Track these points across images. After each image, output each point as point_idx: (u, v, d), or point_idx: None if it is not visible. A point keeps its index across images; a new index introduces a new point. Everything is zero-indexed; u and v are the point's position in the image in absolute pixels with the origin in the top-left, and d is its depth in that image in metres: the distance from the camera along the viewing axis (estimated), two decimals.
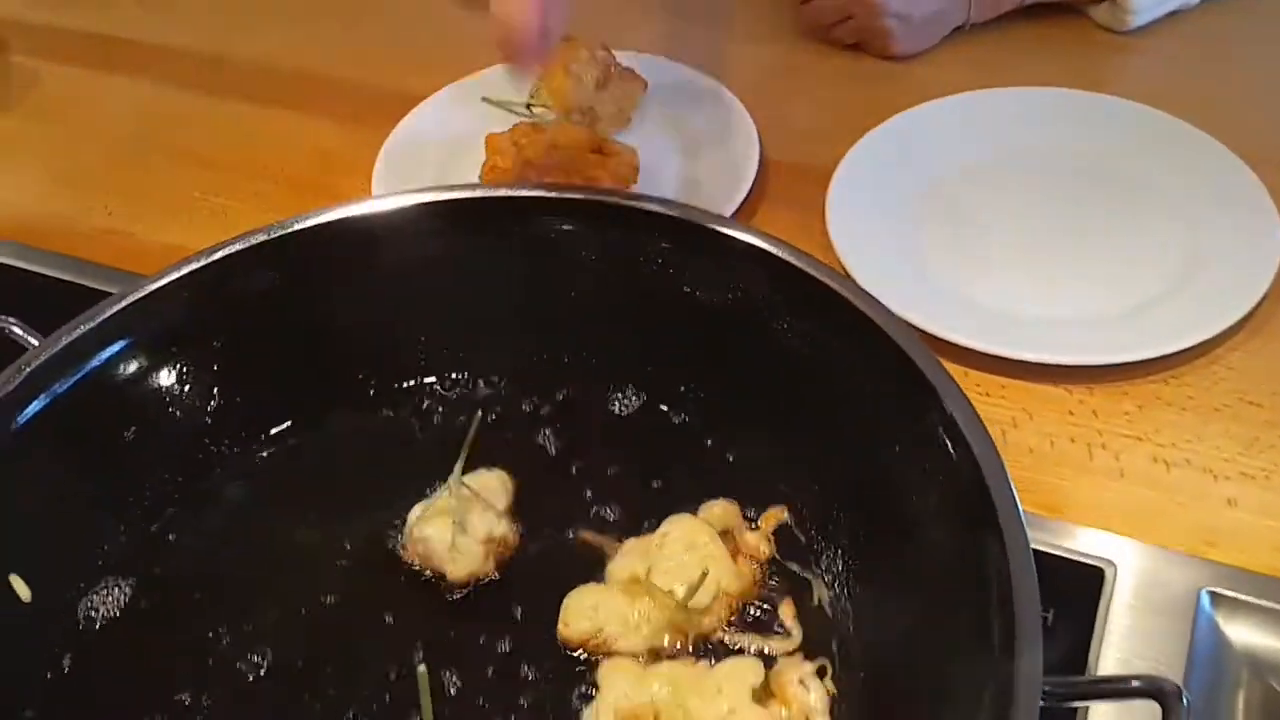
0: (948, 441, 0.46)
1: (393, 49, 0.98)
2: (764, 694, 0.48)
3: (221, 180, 0.86)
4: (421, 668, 0.49)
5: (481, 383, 0.61)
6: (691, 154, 0.80)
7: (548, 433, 0.59)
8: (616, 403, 0.60)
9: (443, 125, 0.84)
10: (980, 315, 0.65)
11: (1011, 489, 0.43)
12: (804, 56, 0.92)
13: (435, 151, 0.82)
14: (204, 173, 0.87)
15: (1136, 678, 0.40)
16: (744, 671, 0.48)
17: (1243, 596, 0.52)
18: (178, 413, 0.57)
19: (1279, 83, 0.83)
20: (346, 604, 0.53)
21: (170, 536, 0.56)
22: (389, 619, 0.52)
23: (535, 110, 0.84)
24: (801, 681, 0.47)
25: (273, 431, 0.60)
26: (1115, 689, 0.41)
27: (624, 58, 0.85)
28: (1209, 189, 0.71)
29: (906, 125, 0.75)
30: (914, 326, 0.64)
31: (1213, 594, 0.52)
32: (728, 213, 0.72)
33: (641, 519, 0.55)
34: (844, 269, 0.68)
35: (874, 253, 0.69)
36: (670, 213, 0.56)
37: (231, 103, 0.94)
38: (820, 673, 0.48)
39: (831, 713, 0.47)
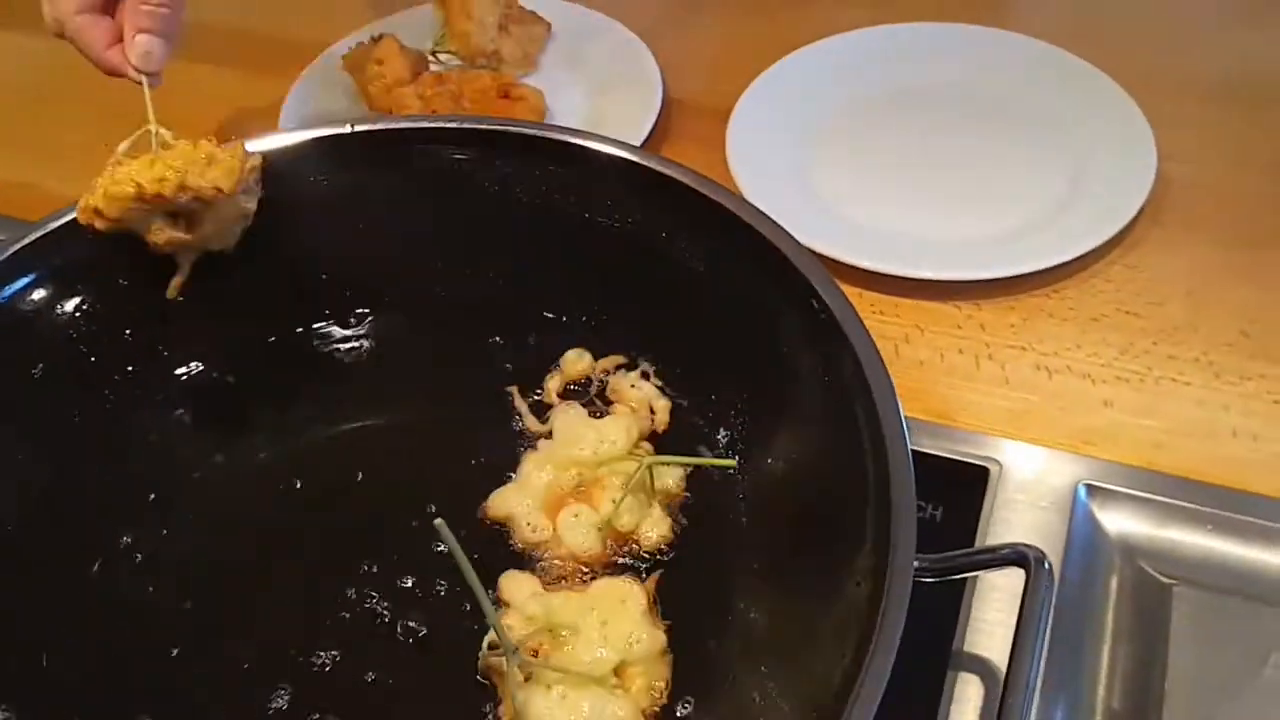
0: (830, 338, 0.48)
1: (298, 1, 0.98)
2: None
3: (128, 131, 0.85)
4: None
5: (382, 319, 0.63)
6: (597, 93, 0.82)
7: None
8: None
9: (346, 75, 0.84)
10: (875, 239, 0.68)
11: (891, 385, 0.46)
12: None
13: (343, 99, 0.83)
14: (113, 124, 0.86)
15: (1003, 547, 0.43)
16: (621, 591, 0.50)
17: (1116, 488, 0.55)
18: (83, 348, 0.57)
19: (1163, 20, 0.86)
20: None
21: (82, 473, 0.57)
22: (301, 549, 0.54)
23: (441, 56, 0.84)
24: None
25: (179, 371, 0.60)
26: (984, 560, 0.43)
27: (528, 1, 0.86)
28: (1093, 118, 0.74)
29: (805, 61, 0.77)
30: (812, 250, 0.66)
31: (1089, 486, 0.55)
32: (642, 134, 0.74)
33: None
34: (746, 199, 0.70)
35: (774, 185, 0.71)
36: (567, 139, 0.57)
37: None
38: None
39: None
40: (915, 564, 0.41)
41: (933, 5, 0.86)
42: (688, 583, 0.50)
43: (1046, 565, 0.41)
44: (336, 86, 0.83)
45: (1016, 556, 0.42)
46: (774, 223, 0.52)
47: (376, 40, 0.81)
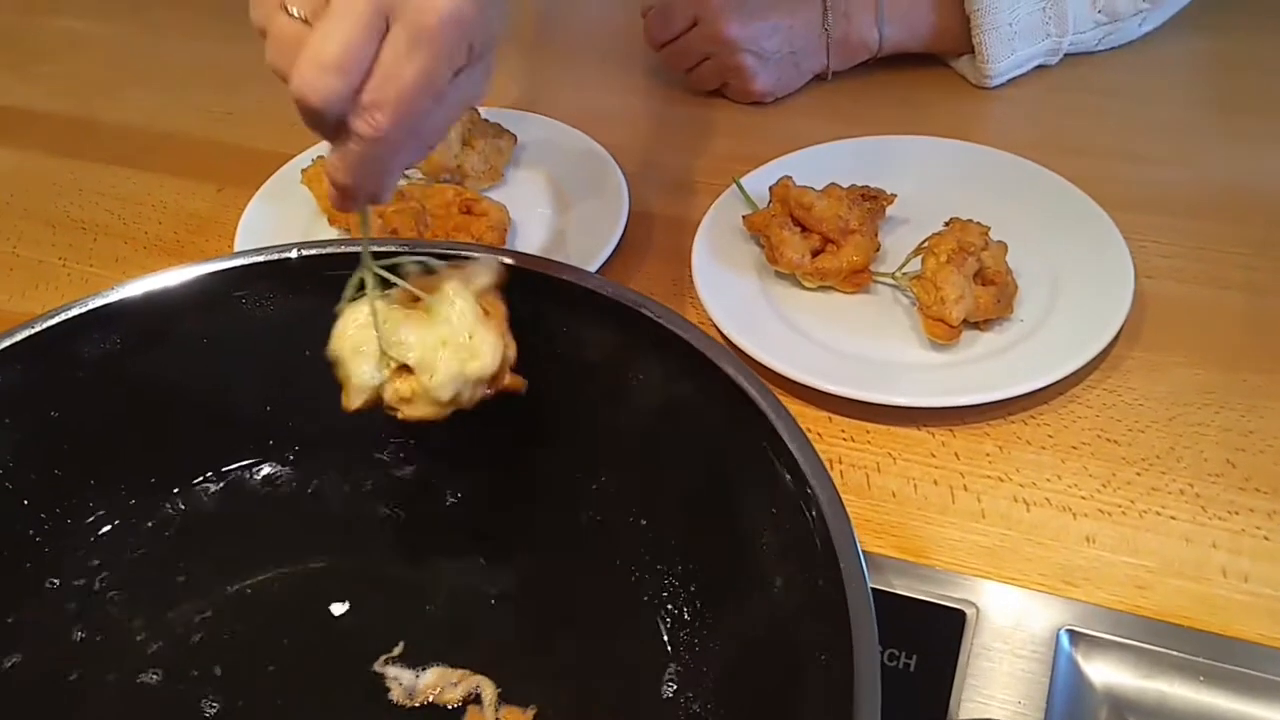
0: (789, 481, 0.45)
1: (269, 112, 0.97)
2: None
3: (88, 246, 0.84)
4: None
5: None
6: (562, 207, 0.80)
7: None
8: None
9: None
10: (843, 361, 0.65)
11: (856, 547, 0.43)
12: (673, 109, 0.93)
13: (301, 212, 0.81)
14: (70, 238, 0.85)
15: None
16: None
17: (1100, 634, 0.52)
18: (9, 485, 0.55)
19: (1138, 133, 0.85)
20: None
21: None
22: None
23: (406, 172, 0.83)
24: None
25: (106, 506, 0.57)
26: None
27: (493, 114, 0.85)
28: (1067, 234, 0.72)
29: (772, 175, 0.75)
30: (779, 374, 0.64)
31: (1072, 632, 0.52)
32: (595, 265, 0.72)
33: None
34: (711, 320, 0.68)
35: (739, 304, 0.69)
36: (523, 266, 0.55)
37: (100, 167, 0.92)
38: None
39: None
40: None
41: (899, 120, 0.85)
42: None
43: None
44: (297, 200, 0.81)
45: None
46: (730, 355, 0.50)
47: None
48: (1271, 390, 0.63)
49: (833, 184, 0.72)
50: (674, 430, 0.52)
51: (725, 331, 0.67)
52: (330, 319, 0.58)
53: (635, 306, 0.53)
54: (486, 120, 0.83)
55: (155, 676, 0.52)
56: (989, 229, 0.68)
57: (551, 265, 0.55)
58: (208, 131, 0.95)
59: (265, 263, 0.56)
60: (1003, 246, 0.68)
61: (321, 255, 0.56)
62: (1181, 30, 0.93)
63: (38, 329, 0.55)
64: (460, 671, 0.50)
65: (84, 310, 0.55)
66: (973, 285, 0.65)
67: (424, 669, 0.51)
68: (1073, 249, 0.71)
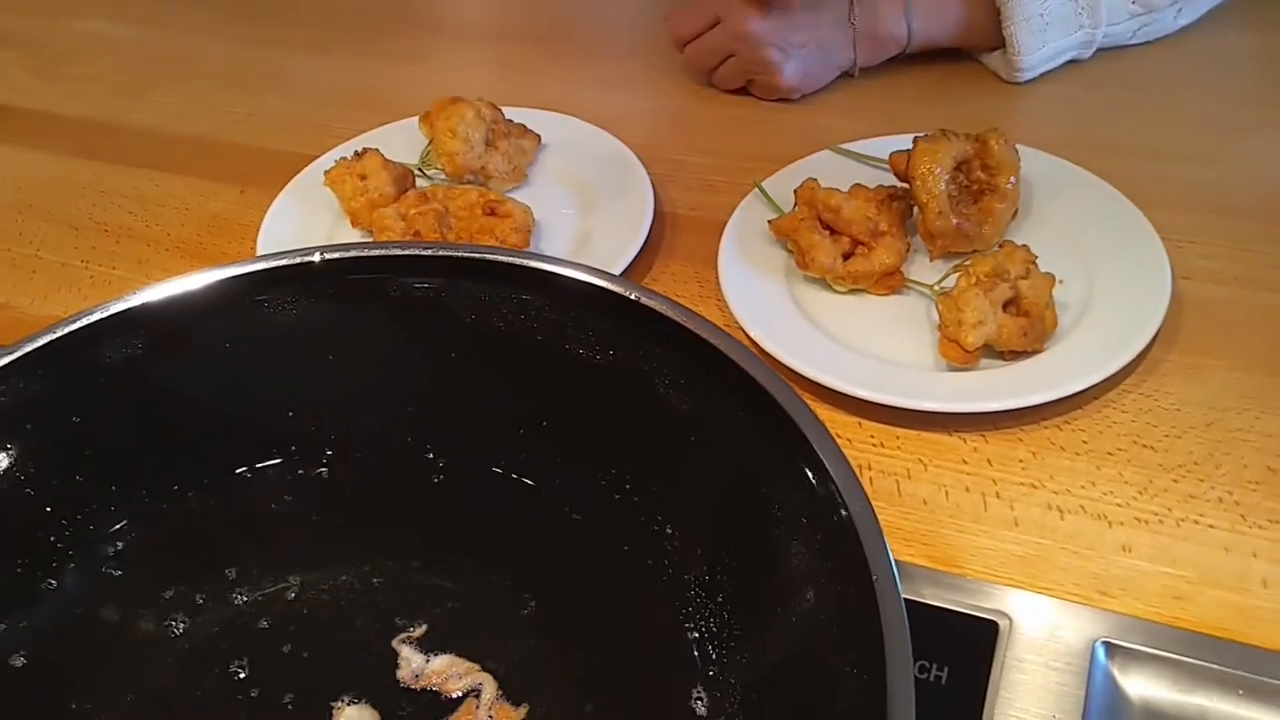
0: (819, 490, 0.44)
1: (290, 115, 0.96)
2: None
3: (110, 248, 0.84)
4: None
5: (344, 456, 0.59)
6: (587, 208, 0.79)
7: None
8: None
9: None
10: (872, 365, 0.64)
11: (888, 555, 0.42)
12: (698, 108, 0.92)
13: (323, 214, 0.80)
14: (92, 240, 0.85)
15: None
16: None
17: (1137, 646, 0.51)
18: (30, 491, 0.54)
19: (1175, 130, 0.84)
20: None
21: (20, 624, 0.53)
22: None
23: (429, 173, 0.83)
24: None
25: (127, 513, 0.56)
26: None
27: (518, 114, 0.84)
28: (1102, 233, 0.71)
29: (795, 177, 0.74)
30: (807, 378, 0.63)
31: (1108, 644, 0.51)
32: (620, 267, 0.71)
33: None
34: (737, 322, 0.67)
35: (766, 307, 0.68)
36: (543, 267, 0.55)
37: (122, 169, 0.92)
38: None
39: None
40: None
41: (927, 117, 0.83)
42: None
43: None
44: (319, 202, 0.80)
45: None
46: (760, 362, 0.49)
47: (360, 155, 0.79)
48: None
49: (858, 184, 0.71)
50: (702, 438, 0.51)
51: (752, 335, 0.66)
52: (352, 324, 0.58)
53: (662, 311, 0.52)
54: (510, 120, 0.82)
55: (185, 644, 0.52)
56: (1036, 258, 0.66)
57: (581, 269, 0.54)
58: (229, 133, 0.95)
59: (288, 266, 0.55)
60: (1048, 279, 0.65)
61: (345, 259, 0.56)
62: (1219, 25, 0.92)
63: (59, 334, 0.54)
64: (469, 664, 0.49)
65: (105, 315, 0.55)
66: (1000, 313, 0.63)
67: (436, 655, 0.50)
68: (1108, 249, 0.69)
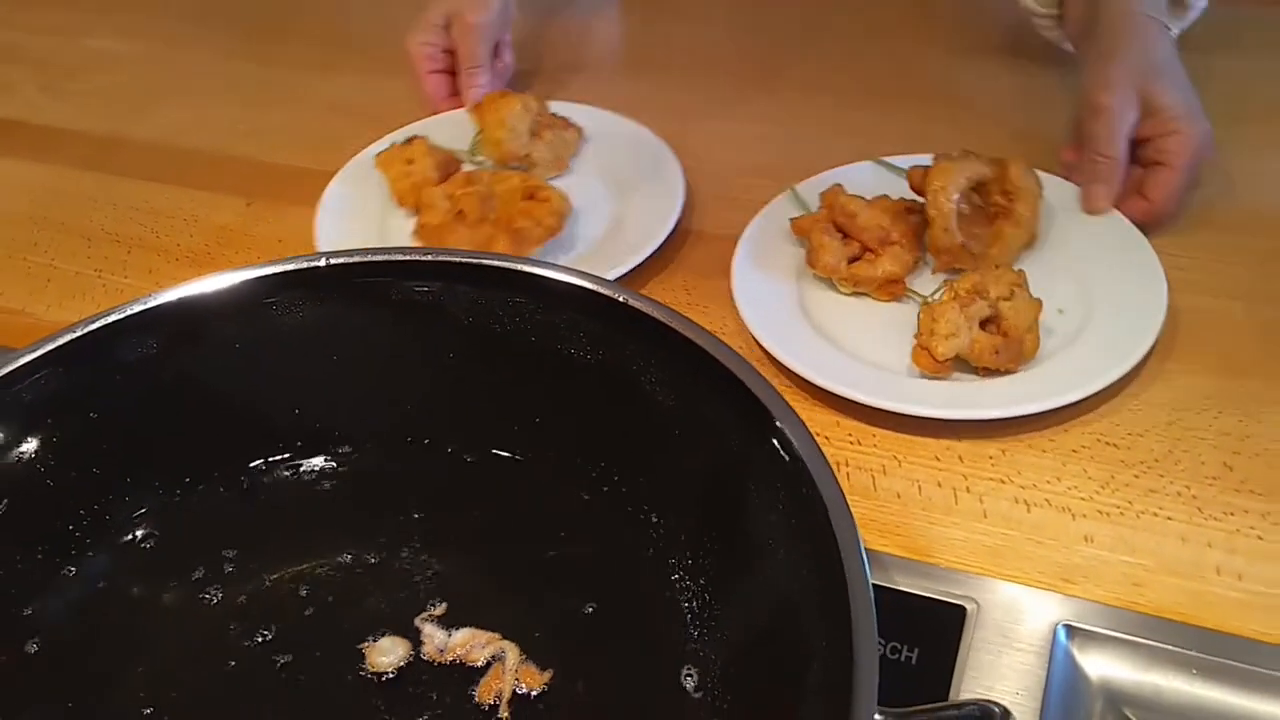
0: (795, 481, 0.47)
1: (295, 129, 1.00)
2: None
3: (122, 258, 0.87)
4: None
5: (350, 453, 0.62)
6: (621, 198, 0.85)
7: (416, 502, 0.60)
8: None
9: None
10: (857, 366, 0.67)
11: (856, 536, 0.44)
12: (739, 107, 0.97)
13: (375, 193, 0.86)
14: (104, 250, 0.88)
15: (967, 703, 0.42)
16: None
17: (1097, 629, 0.54)
18: (51, 482, 0.57)
19: None
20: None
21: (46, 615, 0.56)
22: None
23: (477, 159, 0.89)
24: None
25: (143, 503, 0.59)
26: (948, 715, 0.42)
27: (562, 108, 0.90)
28: (1108, 268, 0.72)
29: (834, 180, 0.76)
30: (793, 372, 0.67)
31: (1069, 627, 0.54)
32: (646, 253, 0.76)
33: None
34: (738, 312, 0.71)
35: (769, 299, 0.72)
36: (537, 271, 0.58)
37: (131, 181, 0.95)
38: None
39: None
40: (876, 717, 0.40)
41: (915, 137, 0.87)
42: None
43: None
44: (371, 184, 0.87)
45: (980, 713, 0.40)
46: (736, 355, 0.52)
47: (409, 141, 0.86)
48: (1269, 396, 0.64)
49: (884, 196, 0.75)
50: (685, 431, 0.54)
51: (747, 323, 0.70)
52: (356, 326, 0.61)
53: (648, 313, 0.55)
54: (555, 114, 0.89)
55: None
56: (1022, 282, 0.67)
57: (571, 272, 0.57)
58: (235, 148, 0.98)
59: (295, 271, 0.58)
60: (1034, 305, 0.67)
61: (349, 264, 0.59)
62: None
63: (79, 333, 0.57)
64: (490, 635, 0.53)
65: (123, 316, 0.58)
66: (975, 329, 0.65)
67: (456, 629, 0.53)
68: (1111, 284, 0.71)
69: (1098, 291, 0.70)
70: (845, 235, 0.73)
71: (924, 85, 0.97)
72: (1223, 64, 0.90)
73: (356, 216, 0.84)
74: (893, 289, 0.72)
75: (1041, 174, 0.76)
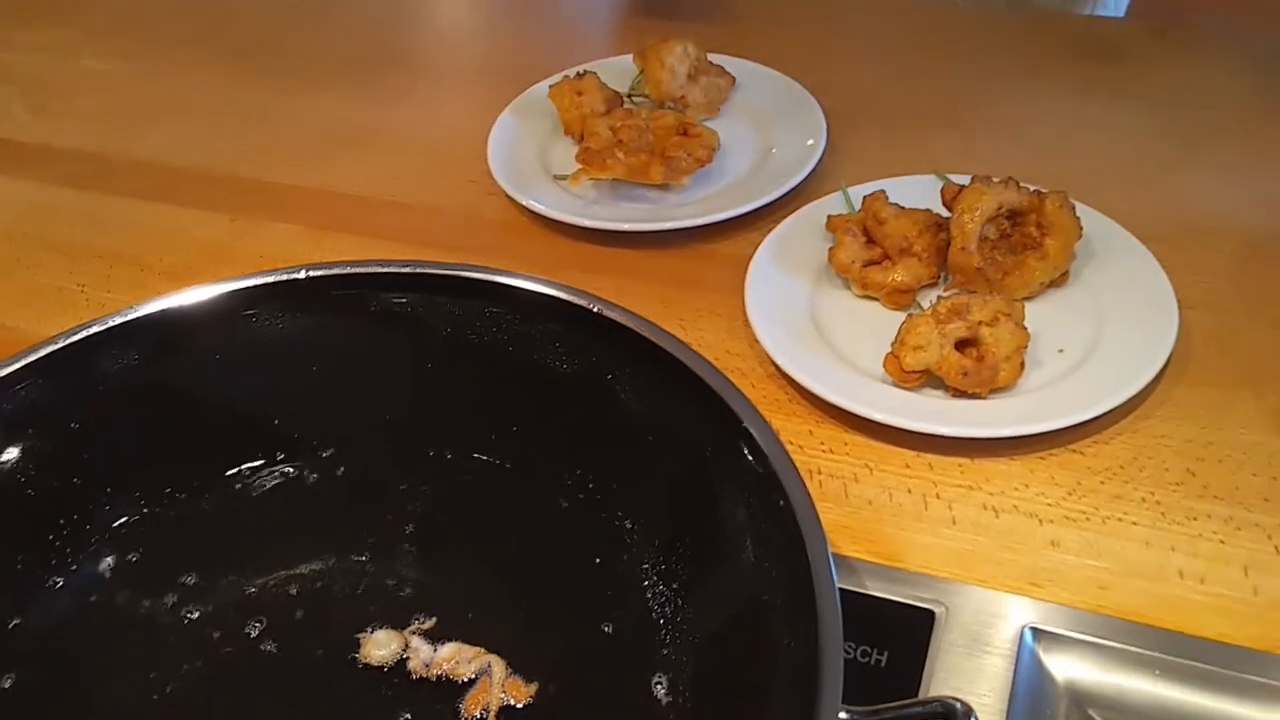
0: (765, 487, 0.48)
1: (280, 148, 1.01)
2: None
3: (105, 273, 0.88)
4: None
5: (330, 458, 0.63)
6: (764, 141, 0.92)
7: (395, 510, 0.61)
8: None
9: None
10: (843, 369, 0.69)
11: (824, 539, 0.45)
12: (906, 83, 1.01)
13: (542, 124, 0.95)
14: (87, 266, 0.89)
15: (931, 700, 0.42)
16: None
17: (1062, 631, 0.55)
18: (31, 492, 0.58)
19: (1165, 161, 0.88)
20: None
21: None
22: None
23: (635, 99, 0.96)
24: None
25: (123, 513, 0.60)
26: (913, 713, 0.43)
27: (717, 58, 0.97)
28: (1110, 276, 0.73)
29: (886, 186, 0.78)
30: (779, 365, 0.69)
31: (1035, 630, 0.55)
32: (788, 186, 0.84)
33: None
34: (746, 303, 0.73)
35: (780, 289, 0.75)
36: (506, 282, 0.59)
37: (116, 199, 0.95)
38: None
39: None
40: (842, 715, 0.41)
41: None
42: None
43: (974, 717, 0.41)
44: (536, 117, 0.95)
45: (943, 709, 0.41)
46: (705, 362, 0.53)
47: (581, 75, 0.92)
48: (1230, 405, 0.66)
49: (926, 209, 0.77)
50: (658, 438, 0.55)
51: (748, 304, 0.73)
52: (335, 337, 0.62)
53: (620, 322, 0.56)
54: (711, 62, 0.96)
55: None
56: (1008, 310, 0.67)
57: (545, 282, 0.58)
58: (220, 167, 0.99)
59: (275, 283, 0.59)
60: (1018, 336, 0.66)
61: (328, 276, 0.60)
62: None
63: (60, 345, 0.58)
64: (475, 649, 0.53)
65: (104, 327, 0.59)
66: (948, 346, 0.66)
67: (442, 644, 0.54)
68: (1113, 292, 0.72)
69: (1106, 339, 0.69)
70: (871, 239, 0.75)
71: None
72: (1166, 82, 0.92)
73: (523, 143, 0.92)
74: (900, 298, 0.74)
75: (1097, 215, 0.76)
